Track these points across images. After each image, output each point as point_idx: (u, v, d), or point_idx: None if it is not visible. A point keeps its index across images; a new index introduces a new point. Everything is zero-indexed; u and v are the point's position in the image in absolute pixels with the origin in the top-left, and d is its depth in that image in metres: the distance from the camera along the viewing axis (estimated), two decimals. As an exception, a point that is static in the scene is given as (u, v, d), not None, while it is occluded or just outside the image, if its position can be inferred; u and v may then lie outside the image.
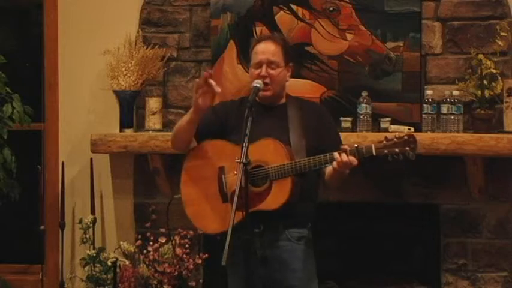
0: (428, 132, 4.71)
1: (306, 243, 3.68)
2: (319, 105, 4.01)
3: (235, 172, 3.49)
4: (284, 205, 3.52)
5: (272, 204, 3.50)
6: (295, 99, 3.82)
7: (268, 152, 3.49)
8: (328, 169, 3.61)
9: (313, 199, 3.73)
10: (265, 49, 3.70)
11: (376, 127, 4.82)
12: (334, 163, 3.47)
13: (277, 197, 3.51)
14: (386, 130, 4.75)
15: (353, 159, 3.45)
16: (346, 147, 3.48)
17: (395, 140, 3.43)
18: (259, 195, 3.52)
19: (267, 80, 3.66)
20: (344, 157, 3.45)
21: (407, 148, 3.42)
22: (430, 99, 4.75)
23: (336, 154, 3.47)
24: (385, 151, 3.43)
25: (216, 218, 3.63)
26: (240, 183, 3.35)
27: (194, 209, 3.71)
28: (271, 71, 3.67)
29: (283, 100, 3.78)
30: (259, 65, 3.69)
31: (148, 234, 5.01)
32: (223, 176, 3.64)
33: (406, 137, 3.44)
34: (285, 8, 5.00)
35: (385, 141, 3.44)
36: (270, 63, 3.67)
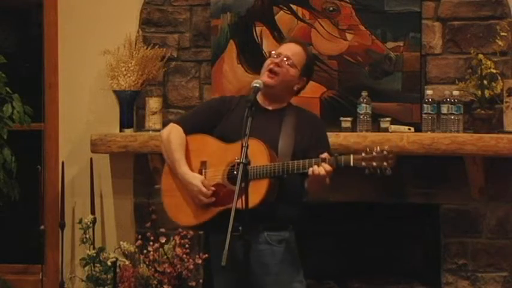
0: (429, 132, 4.71)
1: (286, 246, 3.67)
2: (317, 116, 3.99)
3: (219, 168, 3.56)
4: (259, 205, 3.49)
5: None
6: (295, 107, 3.82)
7: (251, 152, 3.45)
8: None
9: (296, 203, 3.70)
10: (291, 47, 3.76)
11: (376, 127, 4.81)
12: (310, 169, 3.47)
13: (252, 196, 3.46)
14: (386, 130, 4.75)
15: (328, 168, 3.44)
16: (325, 155, 3.48)
17: (374, 154, 3.43)
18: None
19: (276, 69, 3.67)
20: (321, 168, 3.44)
21: (385, 163, 3.42)
22: (430, 99, 4.74)
23: (313, 161, 3.46)
24: (363, 163, 3.43)
25: (189, 211, 3.67)
26: (240, 183, 3.33)
27: (170, 200, 3.74)
28: (284, 64, 3.69)
29: (283, 105, 3.78)
30: (278, 55, 3.72)
31: (148, 234, 5.01)
32: (203, 170, 3.68)
33: (385, 152, 3.43)
34: (285, 8, 5.00)
35: (364, 154, 3.44)
36: (287, 58, 3.69)
